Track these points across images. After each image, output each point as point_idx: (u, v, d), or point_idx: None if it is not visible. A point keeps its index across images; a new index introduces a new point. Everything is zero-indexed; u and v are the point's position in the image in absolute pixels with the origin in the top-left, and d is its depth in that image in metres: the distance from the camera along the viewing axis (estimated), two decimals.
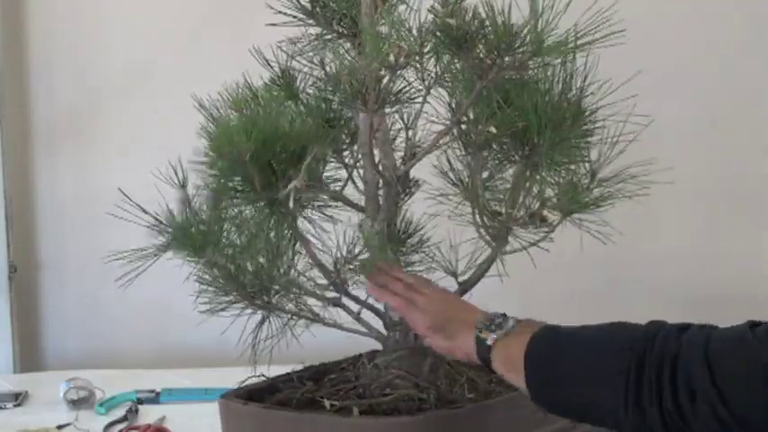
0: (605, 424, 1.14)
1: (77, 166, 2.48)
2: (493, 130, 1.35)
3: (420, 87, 1.36)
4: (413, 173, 1.47)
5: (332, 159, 1.45)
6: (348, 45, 1.43)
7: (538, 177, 1.38)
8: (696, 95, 2.44)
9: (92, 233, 2.49)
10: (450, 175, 1.46)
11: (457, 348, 1.29)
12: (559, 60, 1.33)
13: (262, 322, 1.44)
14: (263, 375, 1.53)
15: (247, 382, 1.53)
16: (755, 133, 2.48)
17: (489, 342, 1.24)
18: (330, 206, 1.43)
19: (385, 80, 1.30)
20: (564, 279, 2.26)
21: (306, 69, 1.45)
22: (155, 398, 2.00)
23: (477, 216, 1.43)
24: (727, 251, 2.48)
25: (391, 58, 1.28)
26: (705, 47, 2.43)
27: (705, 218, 2.46)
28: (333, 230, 1.42)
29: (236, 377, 2.09)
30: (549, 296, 2.28)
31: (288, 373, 1.53)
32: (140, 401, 1.98)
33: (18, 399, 2.03)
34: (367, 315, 1.48)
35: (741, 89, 2.46)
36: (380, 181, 1.45)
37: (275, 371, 1.56)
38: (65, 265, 2.51)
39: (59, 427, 1.85)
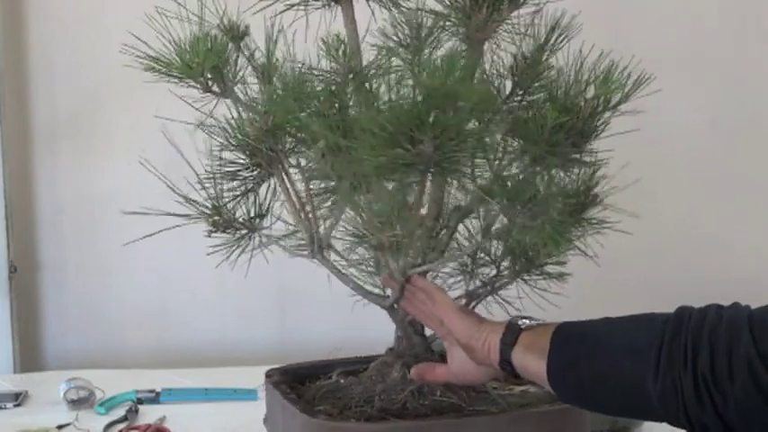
0: (627, 403, 1.12)
1: (77, 167, 2.48)
2: None
3: None
4: None
5: None
6: None
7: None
8: (696, 94, 2.44)
9: (92, 233, 2.49)
10: None
11: (483, 332, 1.27)
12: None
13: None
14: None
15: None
16: (755, 132, 2.49)
17: (522, 326, 1.24)
18: None
19: None
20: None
21: None
22: (155, 398, 2.00)
23: None
24: (727, 248, 2.48)
25: None
26: (705, 45, 2.43)
27: (704, 215, 2.46)
28: None
29: (236, 377, 2.10)
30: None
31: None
32: (140, 401, 1.98)
33: (18, 399, 2.03)
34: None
35: (741, 88, 2.46)
36: None
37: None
38: (65, 266, 2.50)
39: (59, 427, 1.85)
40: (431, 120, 1.14)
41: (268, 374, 1.55)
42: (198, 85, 1.40)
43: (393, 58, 1.37)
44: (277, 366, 1.59)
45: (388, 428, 1.34)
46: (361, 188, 1.29)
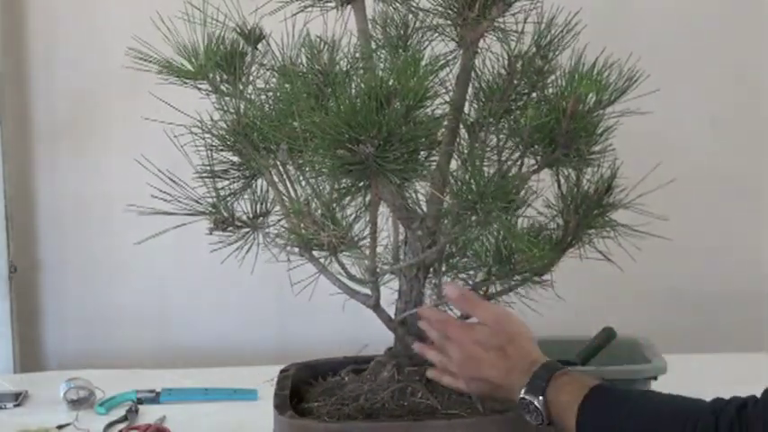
0: None
1: (77, 166, 2.48)
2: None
3: None
4: None
5: None
6: None
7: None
8: (696, 93, 2.44)
9: (92, 233, 2.49)
10: None
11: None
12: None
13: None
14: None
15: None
16: (755, 132, 2.49)
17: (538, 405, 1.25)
18: None
19: None
20: (562, 274, 2.25)
21: None
22: (155, 398, 2.00)
23: None
24: (727, 248, 2.48)
25: None
26: (705, 44, 2.43)
27: (704, 215, 2.46)
28: None
29: (236, 377, 2.10)
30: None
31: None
32: (140, 401, 1.98)
33: (18, 399, 2.03)
34: None
35: (741, 88, 2.46)
36: None
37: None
38: (65, 265, 2.50)
39: (59, 427, 1.85)
40: (368, 120, 1.13)
41: (283, 369, 1.55)
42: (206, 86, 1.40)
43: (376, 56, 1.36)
44: (299, 362, 1.58)
45: (344, 428, 1.33)
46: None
